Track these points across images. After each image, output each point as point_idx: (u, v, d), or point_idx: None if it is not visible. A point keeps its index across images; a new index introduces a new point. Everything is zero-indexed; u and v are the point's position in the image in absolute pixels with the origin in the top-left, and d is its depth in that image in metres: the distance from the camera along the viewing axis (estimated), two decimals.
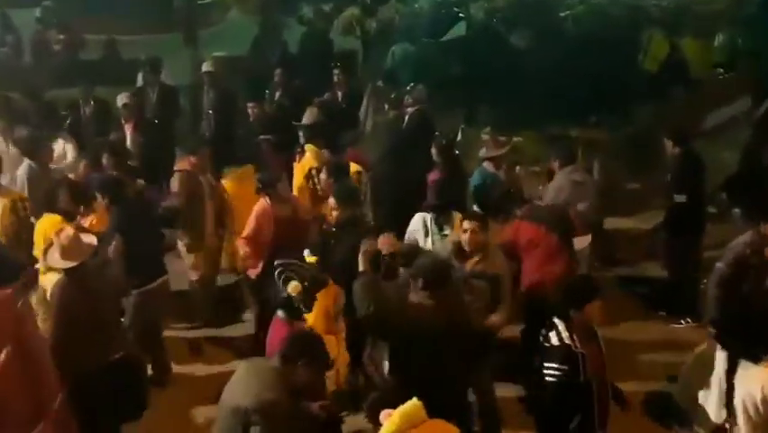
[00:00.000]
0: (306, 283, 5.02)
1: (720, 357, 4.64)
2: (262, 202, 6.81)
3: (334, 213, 6.26)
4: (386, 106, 9.95)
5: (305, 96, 9.56)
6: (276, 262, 5.18)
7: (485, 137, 8.24)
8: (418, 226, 6.54)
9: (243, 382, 4.37)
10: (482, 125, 10.63)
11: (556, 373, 4.46)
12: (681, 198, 7.58)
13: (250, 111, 9.31)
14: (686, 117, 10.61)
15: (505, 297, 5.81)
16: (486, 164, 7.70)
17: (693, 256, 7.83)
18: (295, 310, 4.98)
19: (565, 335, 4.52)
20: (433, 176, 7.75)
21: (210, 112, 9.73)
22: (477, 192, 7.58)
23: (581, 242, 7.14)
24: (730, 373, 4.53)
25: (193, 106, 10.31)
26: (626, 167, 10.62)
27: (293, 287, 4.98)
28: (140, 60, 10.94)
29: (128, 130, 8.97)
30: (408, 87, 9.73)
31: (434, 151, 7.83)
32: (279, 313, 5.05)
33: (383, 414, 3.80)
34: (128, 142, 8.80)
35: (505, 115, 10.60)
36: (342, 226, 6.17)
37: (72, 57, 12.02)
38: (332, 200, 6.32)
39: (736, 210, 9.67)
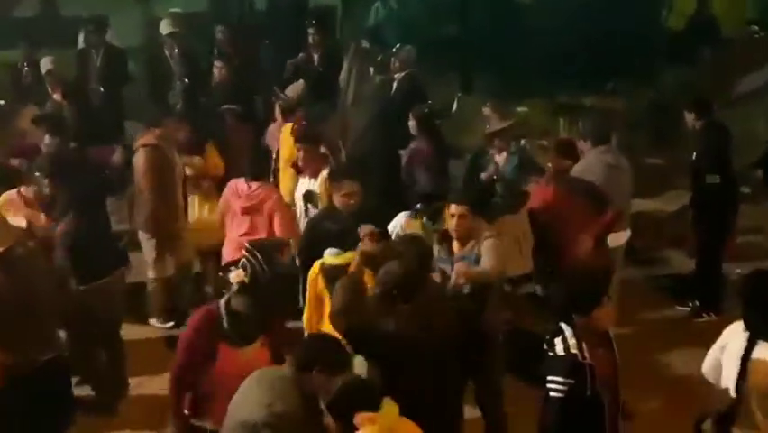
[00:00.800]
0: (247, 275, 4.96)
1: (741, 337, 4.56)
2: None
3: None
4: (371, 71, 9.83)
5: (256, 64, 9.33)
6: (247, 245, 5.22)
7: (485, 110, 8.07)
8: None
9: (253, 394, 4.33)
10: (482, 93, 10.65)
11: (560, 387, 4.39)
12: (713, 179, 7.50)
13: (216, 72, 9.14)
14: (714, 83, 10.60)
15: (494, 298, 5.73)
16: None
17: (723, 243, 7.73)
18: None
19: (572, 342, 4.43)
20: (416, 154, 7.61)
21: (185, 80, 9.55)
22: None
23: (618, 238, 7.00)
24: (747, 353, 4.46)
25: (149, 72, 10.12)
26: (647, 140, 10.58)
27: (235, 275, 4.97)
28: (82, 18, 10.74)
29: (57, 99, 8.77)
30: (395, 49, 9.59)
31: (412, 122, 7.68)
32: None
33: (360, 417, 3.85)
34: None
35: (507, 82, 10.55)
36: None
37: (4, 13, 11.82)
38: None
39: None
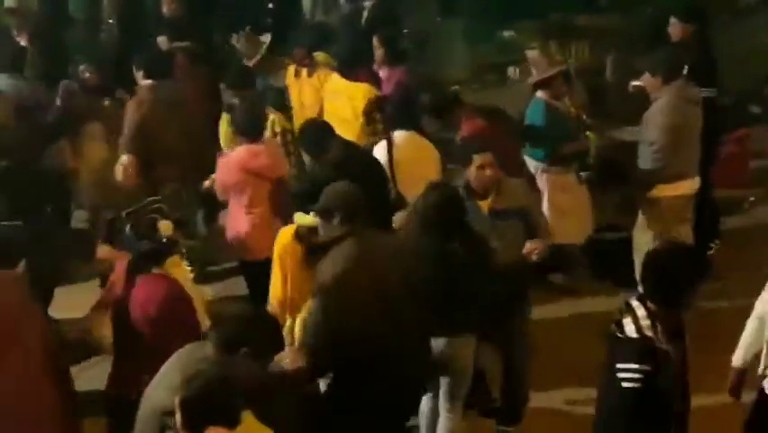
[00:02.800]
0: (177, 217, 4.97)
1: None
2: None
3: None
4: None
5: None
6: (124, 213, 4.99)
7: (531, 53, 7.36)
8: None
9: (167, 376, 3.99)
10: (463, 17, 10.13)
11: (635, 375, 3.90)
12: (710, 93, 6.87)
13: (165, 5, 8.55)
14: None
15: (539, 227, 5.44)
16: (540, 94, 6.77)
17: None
18: (164, 256, 4.73)
19: (645, 323, 3.96)
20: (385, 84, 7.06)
21: (110, 20, 9.01)
22: (537, 138, 6.73)
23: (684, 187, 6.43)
24: None
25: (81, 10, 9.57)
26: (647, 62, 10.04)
27: (165, 226, 4.76)
28: None
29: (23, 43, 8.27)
30: None
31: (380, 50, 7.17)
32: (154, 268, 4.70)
33: None
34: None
35: (491, 2, 9.98)
36: None
37: None
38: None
39: None
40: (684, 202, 6.42)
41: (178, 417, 3.41)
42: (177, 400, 3.41)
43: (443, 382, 5.08)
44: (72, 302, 5.73)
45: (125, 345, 4.68)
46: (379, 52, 7.32)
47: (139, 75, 7.11)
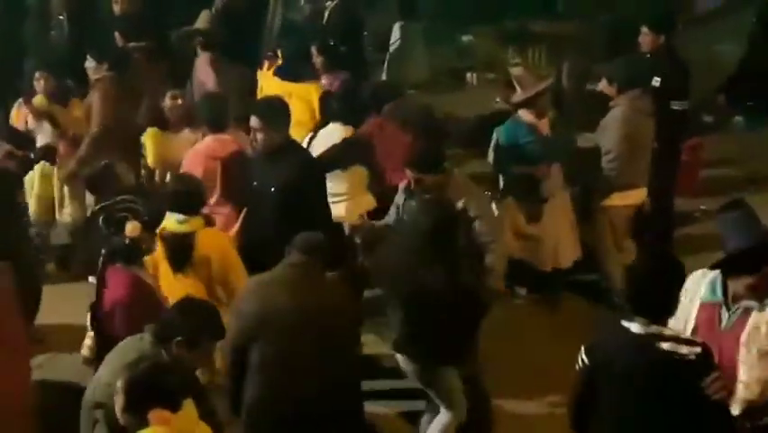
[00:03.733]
0: (145, 218, 4.89)
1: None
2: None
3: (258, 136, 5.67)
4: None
5: None
6: (98, 207, 5.11)
7: (516, 71, 7.22)
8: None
9: (102, 369, 4.04)
10: (424, 21, 10.20)
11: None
12: (681, 105, 7.01)
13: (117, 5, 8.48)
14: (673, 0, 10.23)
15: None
16: (521, 113, 6.39)
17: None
18: (133, 255, 4.77)
19: (677, 335, 3.83)
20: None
21: (59, 16, 8.89)
22: (506, 157, 6.41)
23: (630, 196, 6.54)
24: None
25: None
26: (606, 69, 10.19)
27: (131, 228, 4.76)
28: None
29: None
30: None
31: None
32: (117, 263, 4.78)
33: (154, 415, 3.38)
34: None
35: (450, 7, 10.09)
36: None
37: None
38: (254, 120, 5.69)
39: (738, 118, 9.53)
40: (631, 211, 6.57)
41: (120, 400, 3.44)
42: (119, 384, 3.45)
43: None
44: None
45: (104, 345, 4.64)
46: (318, 60, 7.35)
47: (99, 67, 7.06)
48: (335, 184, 6.22)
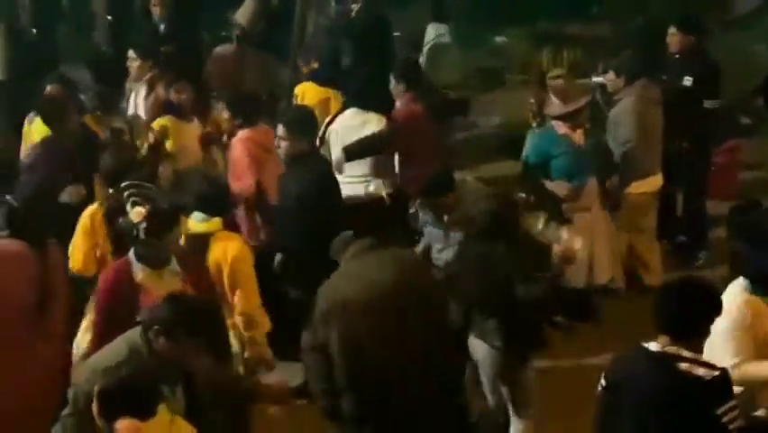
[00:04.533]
0: (150, 208, 4.83)
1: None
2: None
3: (282, 143, 5.76)
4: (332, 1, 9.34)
5: None
6: (124, 184, 5.07)
7: (556, 83, 6.79)
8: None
9: (94, 359, 4.06)
10: (454, 21, 10.22)
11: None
12: (713, 105, 7.08)
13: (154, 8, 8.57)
14: (711, 2, 10.19)
15: None
16: (555, 123, 6.31)
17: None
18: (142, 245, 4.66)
19: (696, 357, 3.73)
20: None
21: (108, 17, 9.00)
22: (536, 170, 6.28)
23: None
24: None
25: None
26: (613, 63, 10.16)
27: (136, 213, 4.82)
28: None
29: None
30: None
31: (394, 76, 6.73)
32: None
33: (122, 425, 3.41)
34: None
35: (483, 8, 10.10)
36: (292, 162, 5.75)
37: None
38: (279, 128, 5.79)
39: None
40: (650, 198, 6.68)
41: (94, 406, 3.49)
42: (95, 388, 3.49)
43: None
44: None
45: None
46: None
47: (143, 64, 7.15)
48: (353, 166, 6.40)
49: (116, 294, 4.55)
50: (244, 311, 4.99)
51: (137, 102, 7.17)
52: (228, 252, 4.98)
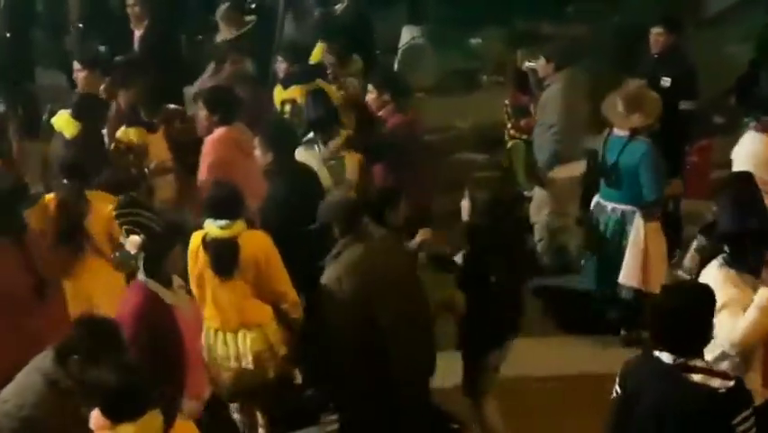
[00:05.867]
0: (145, 239, 4.72)
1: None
2: None
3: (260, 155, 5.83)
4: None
5: None
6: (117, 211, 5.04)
7: (635, 92, 6.30)
8: None
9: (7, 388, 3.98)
10: (431, 22, 10.29)
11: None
12: (690, 106, 7.21)
13: (130, 12, 8.55)
14: (683, 1, 10.31)
15: None
16: (618, 131, 6.26)
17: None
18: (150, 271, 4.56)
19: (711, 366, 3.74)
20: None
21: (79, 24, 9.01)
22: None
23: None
24: None
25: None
26: (613, 68, 10.28)
27: (131, 242, 4.77)
28: None
29: None
30: None
31: (376, 86, 6.64)
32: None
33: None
34: None
35: (458, 9, 10.19)
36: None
37: None
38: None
39: (748, 120, 9.57)
40: (576, 182, 6.92)
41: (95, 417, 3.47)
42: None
43: None
44: None
45: None
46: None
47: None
48: None
49: (149, 319, 4.43)
50: (292, 296, 5.08)
51: None
52: (260, 244, 5.04)
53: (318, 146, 6.17)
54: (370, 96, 6.62)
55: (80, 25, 9.01)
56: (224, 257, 4.94)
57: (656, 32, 7.26)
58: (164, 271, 4.52)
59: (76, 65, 7.24)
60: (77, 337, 3.87)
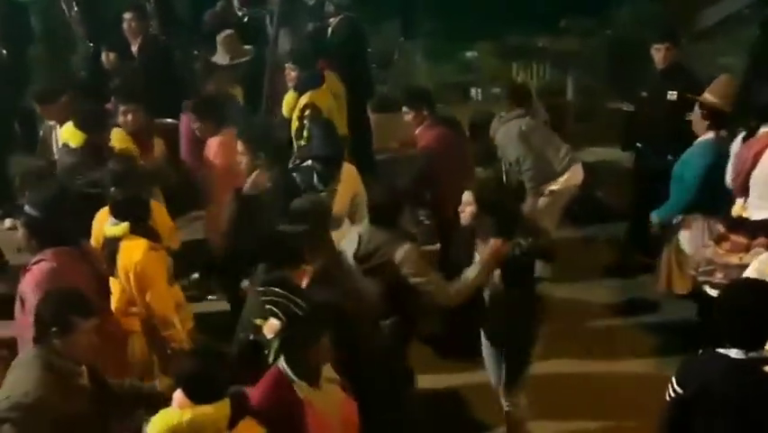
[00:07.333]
0: (284, 324, 4.38)
1: None
2: None
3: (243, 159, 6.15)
4: (306, 18, 9.47)
5: None
6: (263, 288, 4.65)
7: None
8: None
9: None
10: (426, 36, 10.40)
11: None
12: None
13: (126, 27, 8.62)
14: (676, 15, 10.41)
15: None
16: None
17: None
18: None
19: None
20: None
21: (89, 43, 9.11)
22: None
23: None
24: None
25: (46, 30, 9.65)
26: (606, 82, 10.41)
27: (270, 325, 4.44)
28: None
29: None
30: None
31: (411, 105, 6.92)
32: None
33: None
34: None
35: (453, 24, 10.25)
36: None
37: None
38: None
39: (740, 129, 9.67)
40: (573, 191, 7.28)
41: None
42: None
43: None
44: None
45: None
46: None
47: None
48: None
49: (270, 408, 4.06)
50: (158, 313, 5.17)
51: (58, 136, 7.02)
52: (136, 256, 5.15)
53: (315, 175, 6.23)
54: (408, 116, 6.86)
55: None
56: (108, 256, 5.22)
57: (660, 47, 7.28)
58: (305, 362, 4.10)
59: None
60: (44, 314, 4.06)
